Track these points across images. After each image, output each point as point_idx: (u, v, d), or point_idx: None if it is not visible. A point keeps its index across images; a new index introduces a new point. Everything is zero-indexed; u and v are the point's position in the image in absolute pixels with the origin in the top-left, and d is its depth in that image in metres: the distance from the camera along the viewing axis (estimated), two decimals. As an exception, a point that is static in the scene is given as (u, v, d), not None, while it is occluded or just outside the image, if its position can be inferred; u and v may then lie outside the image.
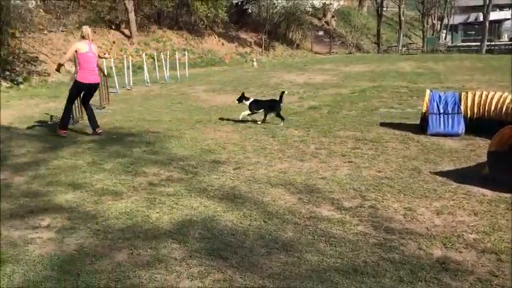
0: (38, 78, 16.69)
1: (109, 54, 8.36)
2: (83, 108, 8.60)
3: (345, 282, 3.15)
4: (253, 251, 3.61)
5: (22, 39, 17.50)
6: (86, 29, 7.71)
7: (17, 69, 16.46)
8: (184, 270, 3.32)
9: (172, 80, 16.12)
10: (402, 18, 36.22)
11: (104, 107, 10.61)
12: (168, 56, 17.00)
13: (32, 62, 17.31)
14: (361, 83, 14.16)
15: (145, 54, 17.75)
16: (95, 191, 4.98)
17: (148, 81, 15.43)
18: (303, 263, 3.41)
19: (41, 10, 18.47)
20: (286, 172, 5.60)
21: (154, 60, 17.91)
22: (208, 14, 25.01)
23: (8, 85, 15.23)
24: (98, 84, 7.91)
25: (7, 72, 15.85)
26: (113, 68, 14.51)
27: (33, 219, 4.26)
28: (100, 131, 7.71)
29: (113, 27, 22.56)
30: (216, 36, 27.45)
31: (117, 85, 13.63)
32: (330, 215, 4.28)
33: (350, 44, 33.78)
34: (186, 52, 20.86)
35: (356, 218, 4.20)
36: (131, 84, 14.54)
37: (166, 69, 16.46)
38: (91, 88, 7.74)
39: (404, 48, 34.28)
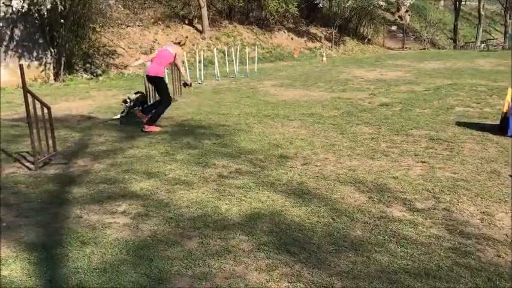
0: (116, 71, 17.52)
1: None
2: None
3: (416, 285, 3.06)
4: (321, 247, 3.59)
5: (102, 33, 18.44)
6: (179, 36, 8.31)
7: (97, 61, 17.37)
8: (252, 262, 3.37)
9: (242, 75, 16.31)
10: (482, 13, 34.33)
11: (176, 100, 10.95)
12: (238, 51, 17.21)
13: (110, 55, 18.20)
14: (436, 80, 13.60)
15: (216, 49, 18.08)
16: (167, 180, 5.17)
17: (219, 75, 15.72)
18: (372, 263, 3.34)
19: (120, 6, 19.33)
20: (355, 170, 5.50)
21: (224, 54, 18.21)
22: (279, 9, 25.02)
23: (88, 77, 16.12)
24: (151, 77, 7.87)
25: (87, 65, 16.78)
26: (185, 62, 14.92)
27: (110, 205, 4.50)
28: (144, 120, 7.88)
29: (186, 22, 23.18)
30: (286, 31, 27.42)
31: (189, 79, 13.98)
32: (401, 216, 4.16)
33: (424, 40, 32.52)
34: (255, 47, 21.03)
35: (429, 220, 4.05)
36: (202, 78, 14.88)
37: (236, 63, 16.69)
38: (149, 79, 8.04)
39: (483, 45, 32.45)
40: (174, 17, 22.69)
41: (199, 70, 15.01)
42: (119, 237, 3.79)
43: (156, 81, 7.91)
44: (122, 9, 20.21)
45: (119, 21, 19.88)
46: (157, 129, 7.77)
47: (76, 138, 7.33)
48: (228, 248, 3.57)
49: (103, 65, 17.44)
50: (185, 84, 8.70)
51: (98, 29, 18.19)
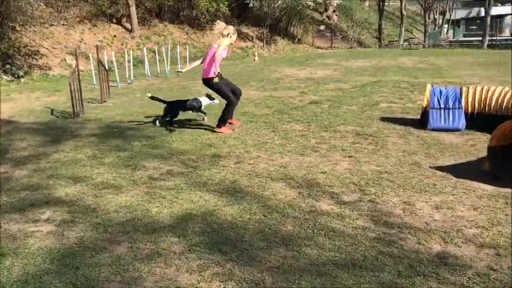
0: (39, 72, 16.67)
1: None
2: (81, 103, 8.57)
3: (343, 276, 3.16)
4: (252, 244, 3.62)
5: (23, 32, 17.47)
6: (219, 25, 7.30)
7: (18, 62, 16.43)
8: (183, 264, 3.33)
9: (173, 74, 16.10)
10: (404, 13, 36.11)
11: (105, 101, 10.62)
12: (169, 50, 16.96)
13: (33, 56, 17.28)
14: (362, 77, 14.14)
15: (146, 48, 17.71)
16: (95, 185, 4.99)
17: (149, 75, 15.42)
18: (302, 257, 3.42)
19: (42, 4, 18.39)
20: (286, 166, 5.60)
21: (155, 54, 17.88)
22: (210, 8, 24.93)
23: (8, 79, 15.21)
24: (204, 79, 7.32)
25: (8, 66, 15.83)
26: (114, 62, 14.50)
27: (33, 213, 4.28)
28: (219, 131, 7.28)
29: (114, 21, 22.51)
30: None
31: (118, 79, 13.62)
32: (329, 209, 4.29)
33: (351, 39, 33.69)
34: (187, 46, 20.83)
35: (355, 212, 4.21)
36: (132, 78, 14.53)
37: (167, 63, 16.44)
38: (203, 82, 7.41)
39: (405, 43, 34.18)
40: (101, 15, 21.96)
41: (129, 70, 14.62)
42: (42, 246, 3.62)
43: (208, 84, 7.30)
44: (44, 7, 19.27)
45: (42, 20, 18.92)
46: (229, 131, 7.38)
47: (-5, 144, 6.90)
48: (159, 251, 3.51)
49: (25, 66, 16.53)
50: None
51: (19, 28, 17.22)
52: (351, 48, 31.78)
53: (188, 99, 8.03)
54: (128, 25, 22.62)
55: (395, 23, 40.82)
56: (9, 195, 4.74)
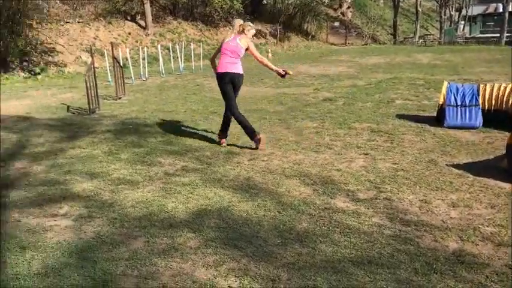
0: (55, 69, 16.84)
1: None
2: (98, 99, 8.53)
3: (359, 273, 3.16)
4: (267, 241, 3.63)
5: (39, 30, 17.67)
6: (235, 22, 6.83)
7: (35, 60, 16.62)
8: (199, 259, 3.36)
9: (187, 71, 16.15)
10: (419, 9, 35.71)
11: (120, 98, 10.70)
12: (183, 47, 17.00)
13: (49, 53, 17.45)
14: (377, 74, 14.04)
15: (161, 45, 17.76)
16: (111, 180, 5.04)
17: (164, 72, 15.48)
18: (317, 254, 3.42)
19: (58, 1, 18.57)
20: (300, 163, 5.59)
21: (169, 51, 17.95)
22: (223, 5, 24.95)
23: (25, 75, 15.41)
24: (237, 74, 6.40)
25: (25, 63, 16.03)
26: (129, 59, 14.61)
27: (51, 208, 4.33)
28: (257, 139, 6.31)
29: (129, 18, 22.64)
30: (231, 28, 27.39)
31: (132, 76, 13.71)
32: (344, 207, 4.28)
33: (366, 35, 33.45)
34: (201, 43, 20.87)
35: (371, 210, 4.19)
36: (146, 75, 14.61)
37: (181, 60, 16.50)
38: (223, 79, 6.42)
39: (421, 40, 33.82)
40: (115, 13, 22.09)
41: (144, 67, 14.71)
42: (60, 240, 3.67)
43: (239, 81, 6.47)
44: (60, 4, 19.46)
45: (57, 18, 19.09)
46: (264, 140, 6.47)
47: (13, 140, 6.99)
48: (175, 246, 3.54)
49: (41, 63, 16.71)
50: (284, 75, 6.60)
51: (35, 26, 17.39)
52: (366, 44, 31.54)
53: None
54: (142, 22, 22.73)
55: (410, 20, 40.41)
56: (28, 190, 4.81)
